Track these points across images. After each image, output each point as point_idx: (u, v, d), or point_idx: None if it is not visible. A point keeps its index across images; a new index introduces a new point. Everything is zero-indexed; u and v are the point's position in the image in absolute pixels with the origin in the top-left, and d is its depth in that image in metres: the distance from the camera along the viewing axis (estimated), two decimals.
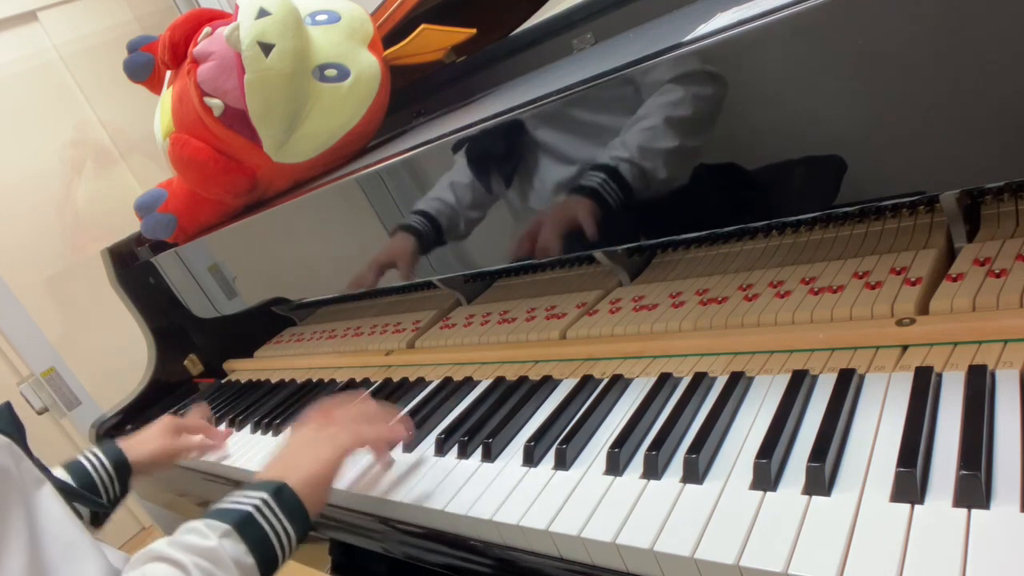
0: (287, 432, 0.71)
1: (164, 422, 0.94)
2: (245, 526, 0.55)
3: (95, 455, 0.85)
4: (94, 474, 0.83)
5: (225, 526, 0.54)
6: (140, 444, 0.89)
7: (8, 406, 0.67)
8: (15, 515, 0.49)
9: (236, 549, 0.54)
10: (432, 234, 0.75)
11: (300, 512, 0.59)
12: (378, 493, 0.68)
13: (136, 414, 1.31)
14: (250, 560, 0.54)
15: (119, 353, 1.84)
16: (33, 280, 2.25)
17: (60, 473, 0.82)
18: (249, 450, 0.94)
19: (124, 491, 0.86)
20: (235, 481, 0.93)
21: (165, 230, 1.11)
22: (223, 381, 1.30)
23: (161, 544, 0.53)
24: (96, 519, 0.82)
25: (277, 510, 0.58)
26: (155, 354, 1.36)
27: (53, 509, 0.53)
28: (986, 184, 0.56)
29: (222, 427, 1.04)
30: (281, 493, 0.59)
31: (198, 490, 1.04)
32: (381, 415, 0.72)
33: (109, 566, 0.53)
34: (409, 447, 0.73)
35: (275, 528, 0.57)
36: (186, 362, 1.39)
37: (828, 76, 0.44)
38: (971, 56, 0.39)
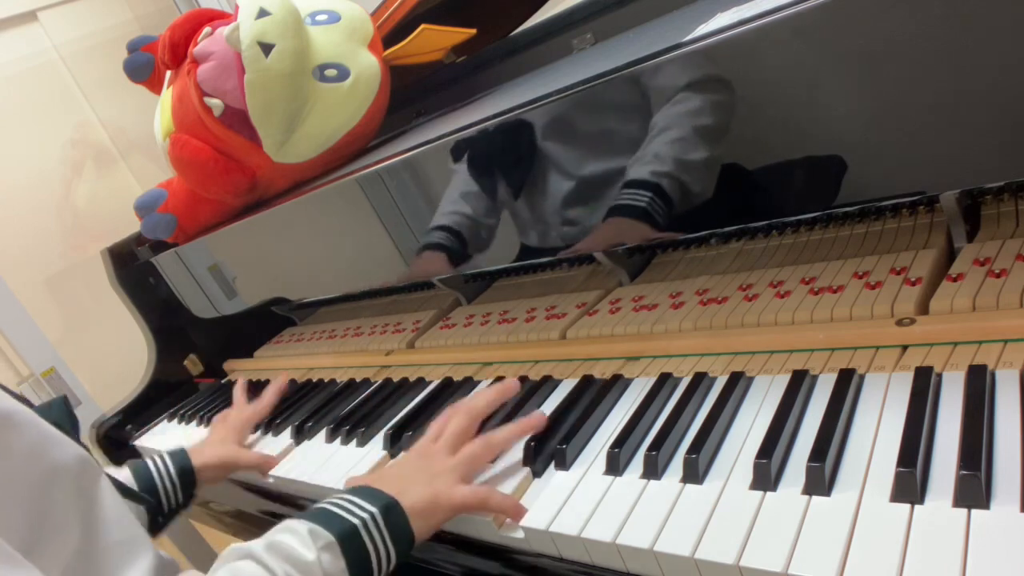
0: (411, 446, 0.66)
1: (224, 427, 0.91)
2: (349, 541, 0.52)
3: (162, 459, 0.84)
4: (157, 477, 0.81)
5: (329, 537, 0.51)
6: (206, 450, 0.87)
7: (64, 399, 0.67)
8: (69, 512, 0.49)
9: (334, 565, 0.51)
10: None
11: (406, 537, 0.55)
12: None
13: (136, 414, 1.31)
14: None
15: (119, 353, 1.84)
16: (33, 280, 2.25)
17: (126, 472, 0.82)
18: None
19: (188, 499, 0.84)
20: (238, 481, 0.93)
21: (165, 230, 1.11)
22: (223, 381, 1.30)
23: (258, 545, 0.51)
24: (154, 526, 0.80)
25: (384, 529, 0.54)
26: (155, 354, 1.36)
27: (109, 506, 0.53)
28: (986, 184, 0.56)
29: None
30: (391, 512, 0.55)
31: (199, 490, 1.04)
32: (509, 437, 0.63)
33: (162, 565, 0.53)
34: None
35: (377, 548, 0.53)
36: (186, 362, 1.39)
37: (828, 76, 0.44)
38: (971, 56, 0.39)
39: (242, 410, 0.96)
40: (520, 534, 0.55)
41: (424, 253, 0.78)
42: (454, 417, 0.64)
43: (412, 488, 0.57)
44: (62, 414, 0.62)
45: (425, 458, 0.61)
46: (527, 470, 0.60)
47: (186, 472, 0.83)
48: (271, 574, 0.49)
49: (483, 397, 0.67)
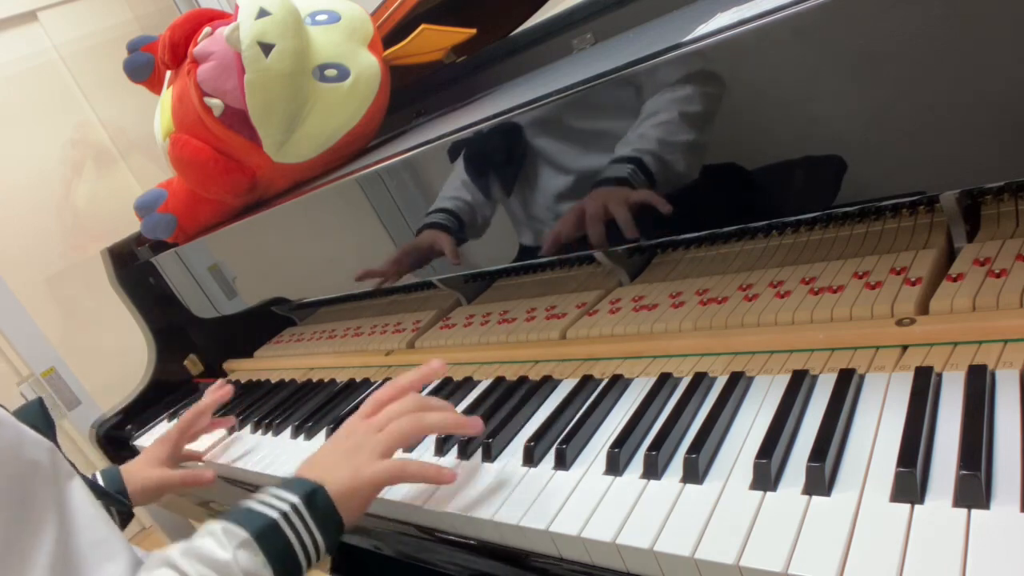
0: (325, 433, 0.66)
1: (156, 446, 0.92)
2: (266, 536, 0.52)
3: (95, 479, 0.84)
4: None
5: (244, 535, 0.51)
6: (137, 471, 0.88)
7: (40, 401, 0.67)
8: (46, 509, 0.49)
9: (252, 562, 0.51)
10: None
11: (333, 520, 0.55)
12: None
13: (136, 414, 1.31)
14: (267, 573, 0.51)
15: (119, 353, 1.84)
16: (33, 280, 2.25)
17: None
18: (250, 450, 0.94)
19: (128, 518, 0.86)
20: (237, 481, 0.93)
21: (165, 230, 1.11)
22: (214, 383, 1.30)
23: (175, 551, 0.51)
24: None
25: (307, 517, 0.54)
26: (155, 354, 1.36)
27: (84, 504, 0.52)
28: (986, 184, 0.56)
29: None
30: (314, 497, 0.54)
31: (199, 489, 1.04)
32: (442, 404, 0.64)
33: (138, 563, 0.53)
34: (408, 448, 0.73)
35: (302, 537, 0.53)
36: (186, 362, 1.39)
37: (828, 76, 0.44)
38: (971, 56, 0.39)
39: (183, 419, 0.96)
40: (447, 509, 0.55)
41: (423, 232, 0.77)
42: (384, 390, 0.64)
43: (336, 470, 0.57)
44: (38, 416, 0.62)
45: (351, 436, 0.61)
46: (526, 470, 0.60)
47: (120, 493, 0.85)
48: None
49: (409, 375, 0.66)
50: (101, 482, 0.84)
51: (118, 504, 0.77)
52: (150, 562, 0.51)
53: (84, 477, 0.59)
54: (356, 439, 0.61)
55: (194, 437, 0.97)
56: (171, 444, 0.92)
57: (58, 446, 0.56)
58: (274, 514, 0.53)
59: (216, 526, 0.52)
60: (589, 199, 0.60)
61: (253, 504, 0.55)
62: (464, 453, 0.67)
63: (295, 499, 0.54)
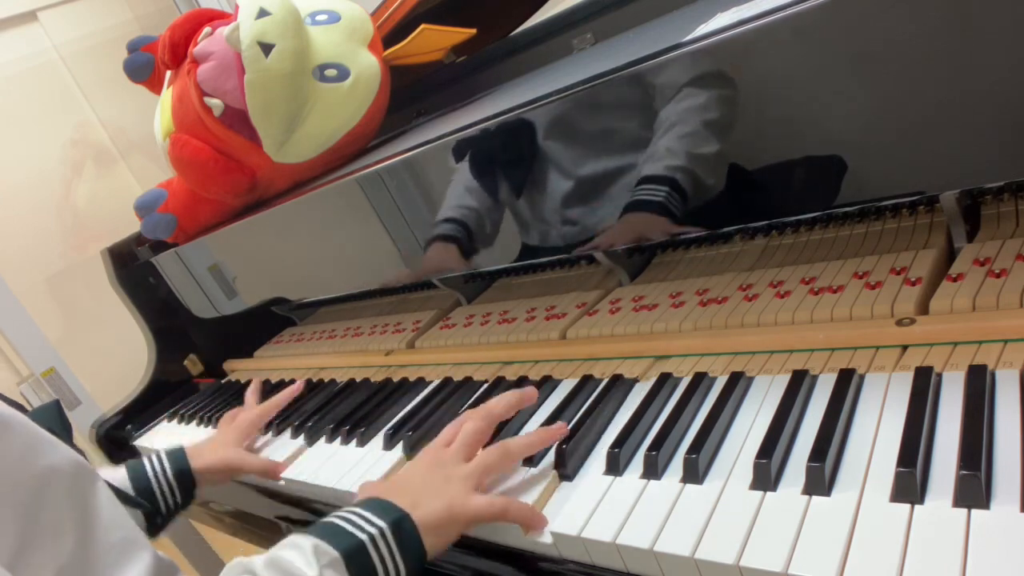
0: (421, 450, 0.63)
1: (230, 429, 0.90)
2: (355, 558, 0.50)
3: (159, 460, 0.83)
4: (153, 479, 0.80)
5: (334, 554, 0.50)
6: (208, 452, 0.86)
7: (57, 403, 0.66)
8: (64, 513, 0.49)
9: None
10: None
11: (417, 552, 0.53)
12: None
13: (136, 414, 1.31)
14: None
15: (119, 353, 1.84)
16: (33, 280, 2.25)
17: (121, 472, 0.81)
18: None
19: (187, 501, 0.83)
20: (238, 481, 0.93)
21: (165, 230, 1.11)
22: (223, 381, 1.30)
23: (258, 562, 0.50)
24: (152, 528, 0.80)
25: (393, 545, 0.52)
26: (155, 354, 1.36)
27: (105, 508, 0.52)
28: (986, 184, 0.56)
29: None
30: (401, 526, 0.52)
31: (200, 491, 1.04)
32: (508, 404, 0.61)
33: (160, 567, 0.53)
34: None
35: (386, 565, 0.51)
36: (186, 362, 1.39)
37: (828, 76, 0.44)
38: (971, 56, 0.39)
39: (251, 411, 0.95)
40: (548, 539, 0.53)
41: (435, 244, 0.77)
42: (469, 420, 0.62)
43: (425, 500, 0.55)
44: (55, 419, 0.62)
45: (438, 465, 0.59)
46: (527, 470, 0.60)
47: (184, 474, 0.82)
48: None
49: (502, 401, 0.63)
50: (166, 463, 0.82)
51: (142, 507, 0.76)
52: (231, 567, 0.50)
53: (109, 484, 0.58)
54: (444, 469, 0.58)
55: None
56: (242, 433, 0.90)
57: (76, 447, 0.56)
58: (363, 536, 0.51)
59: (304, 541, 0.51)
60: (623, 230, 0.60)
61: (340, 523, 0.53)
62: None
63: (383, 524, 0.52)
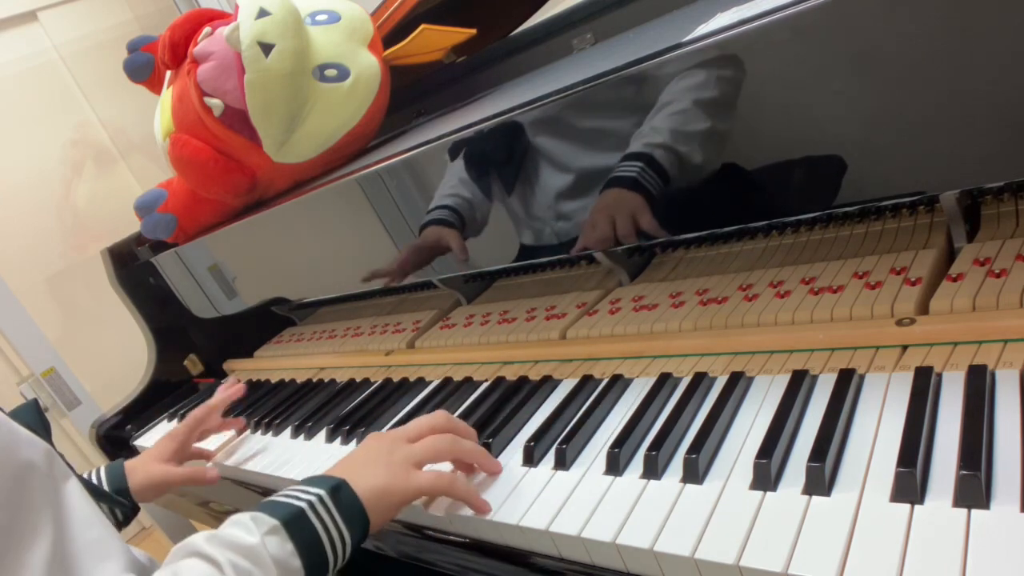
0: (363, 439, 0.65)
1: (165, 441, 0.90)
2: (295, 523, 0.51)
3: (98, 476, 0.84)
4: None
5: (273, 522, 0.51)
6: (141, 466, 0.87)
7: (35, 403, 0.66)
8: (42, 510, 0.48)
9: (281, 548, 0.50)
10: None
11: (359, 515, 0.54)
12: None
13: (136, 414, 1.31)
14: (296, 562, 0.50)
15: (119, 353, 1.84)
16: (33, 280, 2.25)
17: None
18: (251, 450, 0.94)
19: (133, 512, 0.85)
20: (238, 481, 0.93)
21: (165, 230, 1.11)
22: (223, 381, 1.30)
23: (199, 538, 0.50)
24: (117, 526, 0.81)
25: (333, 509, 0.53)
26: (155, 354, 1.36)
27: (80, 505, 0.52)
28: (986, 184, 0.56)
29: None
30: (339, 491, 0.54)
31: (199, 489, 1.04)
32: (469, 431, 0.64)
33: (135, 563, 0.53)
34: None
35: (328, 529, 0.52)
36: (186, 362, 1.39)
37: (828, 76, 0.44)
38: (971, 56, 0.39)
39: (192, 416, 0.94)
40: (448, 509, 0.55)
41: (428, 229, 0.76)
42: (429, 415, 0.64)
43: (365, 472, 0.57)
44: (33, 417, 0.62)
45: (381, 443, 0.61)
46: (527, 470, 0.60)
47: (122, 493, 0.84)
48: (212, 563, 0.48)
49: (470, 433, 0.64)
50: (104, 477, 0.83)
51: (117, 505, 0.77)
52: (175, 553, 0.51)
53: (82, 478, 0.58)
54: (387, 444, 0.60)
55: (203, 436, 0.96)
56: (179, 441, 0.91)
57: (54, 447, 0.56)
58: (301, 503, 0.53)
59: (243, 515, 0.52)
60: (596, 210, 0.60)
61: (278, 497, 0.54)
62: None
63: (319, 491, 0.54)
